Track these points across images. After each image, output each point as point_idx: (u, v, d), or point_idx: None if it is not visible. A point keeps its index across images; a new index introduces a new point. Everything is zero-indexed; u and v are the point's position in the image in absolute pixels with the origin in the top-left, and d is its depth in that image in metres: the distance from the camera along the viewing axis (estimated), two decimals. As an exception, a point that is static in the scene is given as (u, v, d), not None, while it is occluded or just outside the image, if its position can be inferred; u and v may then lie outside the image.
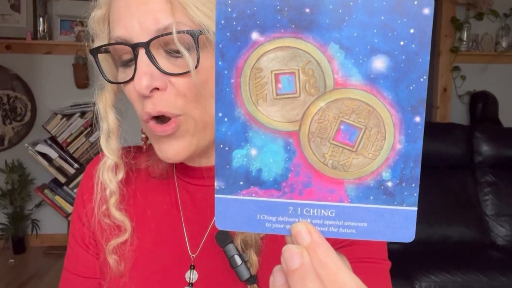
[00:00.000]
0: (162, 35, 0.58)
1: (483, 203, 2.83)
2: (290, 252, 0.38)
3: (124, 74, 0.64)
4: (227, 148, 0.40)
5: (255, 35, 0.38)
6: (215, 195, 0.41)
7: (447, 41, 3.79)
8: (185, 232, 0.71)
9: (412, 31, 0.37)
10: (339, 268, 0.38)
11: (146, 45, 0.58)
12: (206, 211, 0.70)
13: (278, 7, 0.37)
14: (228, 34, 0.38)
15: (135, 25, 0.59)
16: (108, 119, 0.69)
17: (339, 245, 0.64)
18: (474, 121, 3.77)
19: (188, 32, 0.57)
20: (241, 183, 0.40)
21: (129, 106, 0.69)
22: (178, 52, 0.59)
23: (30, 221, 3.68)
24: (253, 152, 0.40)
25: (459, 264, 2.40)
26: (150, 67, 0.59)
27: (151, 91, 0.59)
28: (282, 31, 0.37)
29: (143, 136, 0.73)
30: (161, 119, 0.62)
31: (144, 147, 0.73)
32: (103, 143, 0.69)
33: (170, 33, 0.57)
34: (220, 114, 0.39)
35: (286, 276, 0.39)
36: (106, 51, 0.66)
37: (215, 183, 0.40)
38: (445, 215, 2.71)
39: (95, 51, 0.65)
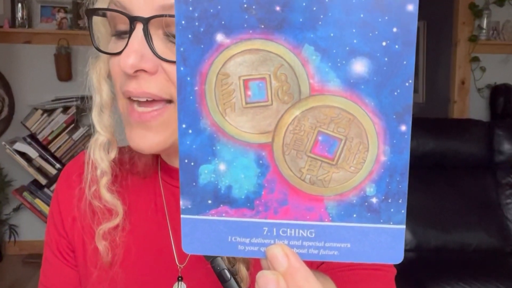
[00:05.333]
0: (165, 15, 0.57)
1: (505, 207, 2.81)
2: (265, 279, 0.38)
3: (115, 45, 0.63)
4: (192, 163, 0.39)
5: (220, 37, 0.37)
6: (181, 216, 0.40)
7: (465, 29, 3.78)
8: (172, 241, 0.71)
9: (395, 30, 0.36)
10: None
11: (146, 21, 0.58)
12: None
13: (245, 5, 0.36)
14: (190, 36, 0.37)
15: None
16: (101, 92, 0.68)
17: None
18: (494, 117, 3.76)
19: None
20: (210, 201, 0.40)
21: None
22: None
23: (8, 226, 3.67)
24: (222, 167, 0.39)
25: (477, 274, 2.39)
26: (143, 46, 0.59)
27: (137, 71, 0.59)
28: (251, 32, 0.37)
29: None
30: (142, 104, 0.62)
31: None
32: (95, 117, 0.68)
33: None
34: (184, 126, 0.38)
35: None
36: (104, 15, 0.66)
37: (181, 202, 0.40)
38: (463, 220, 2.70)
39: (91, 13, 0.65)
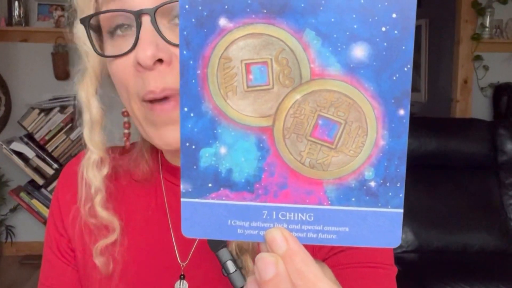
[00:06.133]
0: (173, 1, 0.58)
1: (508, 208, 2.82)
2: (263, 261, 0.39)
3: (115, 47, 0.63)
4: (193, 147, 0.40)
5: (223, 21, 0.38)
6: (181, 199, 0.41)
7: (467, 27, 3.79)
8: (173, 239, 0.72)
9: (394, 15, 0.37)
10: (318, 278, 0.39)
11: (153, 12, 0.58)
12: None
13: None
14: (193, 20, 0.38)
15: None
16: (91, 108, 0.69)
17: (338, 249, 0.65)
18: (497, 117, 3.77)
19: None
20: (210, 185, 0.41)
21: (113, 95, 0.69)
22: None
23: (4, 227, 3.68)
24: (223, 150, 0.40)
25: (480, 275, 2.39)
26: (155, 37, 0.59)
27: (154, 63, 0.59)
28: (253, 16, 0.38)
29: (126, 131, 0.73)
30: (162, 102, 0.62)
31: (127, 143, 0.74)
32: (86, 135, 0.69)
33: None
34: (186, 109, 0.40)
35: (259, 287, 0.39)
36: (96, 24, 0.65)
37: (181, 186, 0.41)
38: (465, 221, 2.70)
39: (87, 20, 0.64)
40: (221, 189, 0.41)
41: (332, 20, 0.38)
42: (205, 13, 0.38)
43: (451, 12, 3.96)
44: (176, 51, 0.59)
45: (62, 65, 3.61)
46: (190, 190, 0.41)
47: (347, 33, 0.38)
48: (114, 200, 0.73)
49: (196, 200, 0.41)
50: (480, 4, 3.73)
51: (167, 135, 0.63)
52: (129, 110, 0.67)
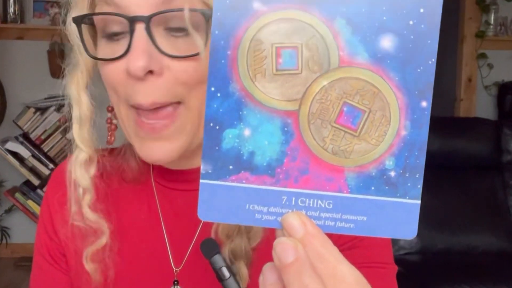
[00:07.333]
0: (170, 10, 0.58)
1: (512, 208, 2.85)
2: (283, 246, 0.39)
3: (108, 50, 0.63)
4: (217, 127, 0.41)
5: (257, 4, 0.40)
6: (200, 180, 0.42)
7: (471, 25, 3.82)
8: (167, 244, 0.73)
9: (422, 10, 0.40)
10: (338, 260, 0.41)
11: (147, 19, 0.58)
12: (190, 219, 0.72)
13: None
14: (227, 1, 0.40)
15: None
16: (81, 104, 0.68)
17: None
18: (502, 116, 3.79)
19: (201, 11, 0.58)
20: (231, 167, 0.42)
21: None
22: (179, 31, 0.60)
23: None
24: (247, 132, 0.42)
25: (484, 277, 2.42)
26: (149, 46, 0.59)
27: (145, 74, 0.59)
28: (287, 1, 0.40)
29: (114, 123, 0.73)
30: (150, 115, 0.62)
31: (112, 139, 0.74)
32: (75, 132, 0.69)
33: (181, 10, 0.57)
34: (213, 89, 0.41)
35: (279, 272, 0.40)
36: (91, 23, 0.65)
37: (201, 166, 0.42)
38: (470, 222, 2.72)
39: (79, 20, 0.64)
40: (242, 171, 0.42)
41: (363, 10, 0.40)
42: None
43: (455, 9, 3.96)
44: (169, 63, 0.60)
45: (58, 63, 3.58)
46: (210, 171, 0.42)
47: (376, 24, 0.40)
48: (106, 201, 0.72)
49: (215, 182, 0.42)
50: (484, 1, 3.76)
51: (152, 152, 0.63)
52: (117, 112, 0.67)
